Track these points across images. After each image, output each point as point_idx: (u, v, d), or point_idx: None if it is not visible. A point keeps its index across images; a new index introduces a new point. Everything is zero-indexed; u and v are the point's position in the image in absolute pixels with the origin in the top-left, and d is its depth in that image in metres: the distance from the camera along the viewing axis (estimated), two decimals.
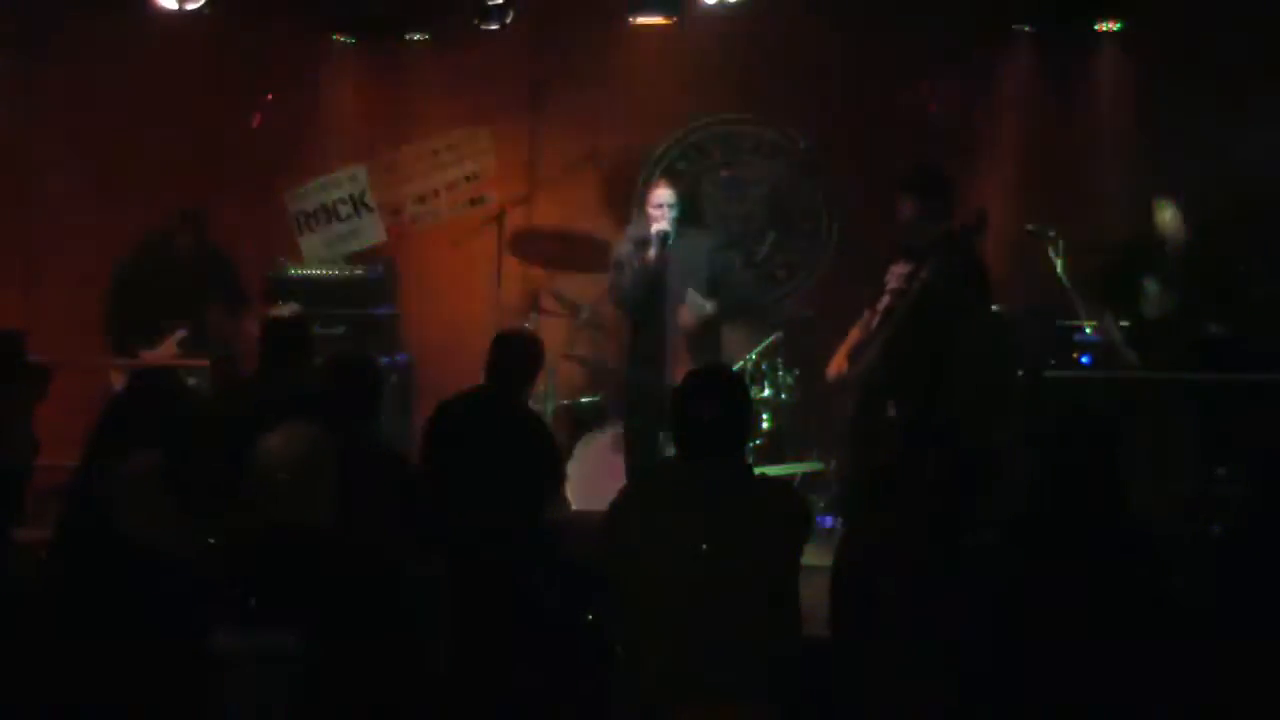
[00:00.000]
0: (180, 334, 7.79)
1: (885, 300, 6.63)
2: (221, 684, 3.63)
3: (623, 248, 7.20)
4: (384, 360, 8.09)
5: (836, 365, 6.86)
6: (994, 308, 7.10)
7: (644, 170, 8.86)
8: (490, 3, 8.22)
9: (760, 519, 4.07)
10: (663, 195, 7.02)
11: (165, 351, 7.79)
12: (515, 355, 5.74)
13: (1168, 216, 7.05)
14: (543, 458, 5.60)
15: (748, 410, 4.27)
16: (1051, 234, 7.55)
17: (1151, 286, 7.00)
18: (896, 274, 6.58)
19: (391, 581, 3.99)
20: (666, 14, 8.17)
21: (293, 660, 3.63)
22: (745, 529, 4.03)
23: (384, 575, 3.96)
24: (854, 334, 6.87)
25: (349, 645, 3.71)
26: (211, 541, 3.86)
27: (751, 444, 7.67)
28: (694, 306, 6.94)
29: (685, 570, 3.99)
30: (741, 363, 7.77)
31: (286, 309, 7.90)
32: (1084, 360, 7.59)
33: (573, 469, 7.90)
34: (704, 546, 3.98)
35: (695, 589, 3.98)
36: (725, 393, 4.17)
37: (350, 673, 3.70)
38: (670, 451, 6.59)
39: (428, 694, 4.05)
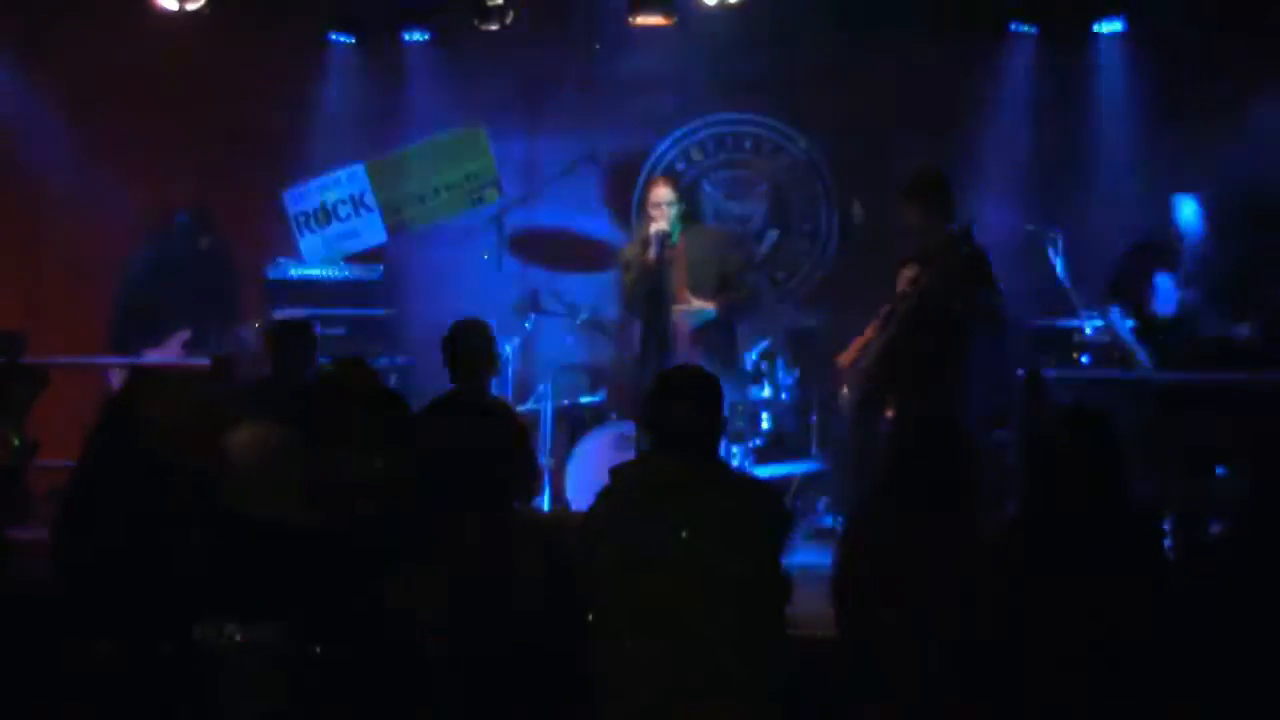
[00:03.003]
0: (184, 336, 7.79)
1: (891, 303, 6.65)
2: (204, 677, 3.64)
3: (628, 250, 7.21)
4: (384, 361, 8.11)
5: (849, 357, 6.84)
6: (996, 307, 7.08)
7: (644, 170, 8.87)
8: (490, 3, 8.21)
9: (735, 515, 4.09)
10: (662, 194, 7.02)
11: (169, 353, 7.79)
12: (462, 346, 5.76)
13: (1188, 213, 7.04)
14: (509, 449, 5.62)
15: (719, 410, 4.28)
16: (1051, 234, 7.54)
17: (1164, 284, 6.98)
18: (905, 277, 6.59)
19: (362, 576, 3.96)
20: (666, 14, 8.17)
21: (267, 655, 3.64)
22: (720, 524, 4.05)
23: (356, 570, 3.94)
24: (870, 331, 6.86)
25: (319, 638, 3.71)
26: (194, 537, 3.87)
27: (751, 444, 7.67)
28: (687, 315, 6.95)
29: (659, 566, 4.01)
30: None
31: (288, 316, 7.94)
32: (1084, 360, 7.59)
33: (572, 469, 7.91)
34: (675, 539, 4.00)
35: (670, 585, 3.99)
36: (695, 393, 4.22)
37: (323, 665, 3.69)
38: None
39: (406, 687, 4.03)
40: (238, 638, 3.66)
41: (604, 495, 4.27)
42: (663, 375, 4.40)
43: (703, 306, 7.02)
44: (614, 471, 4.29)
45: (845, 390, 6.79)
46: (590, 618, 4.67)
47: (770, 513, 4.19)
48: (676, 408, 4.18)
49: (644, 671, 3.98)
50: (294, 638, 3.66)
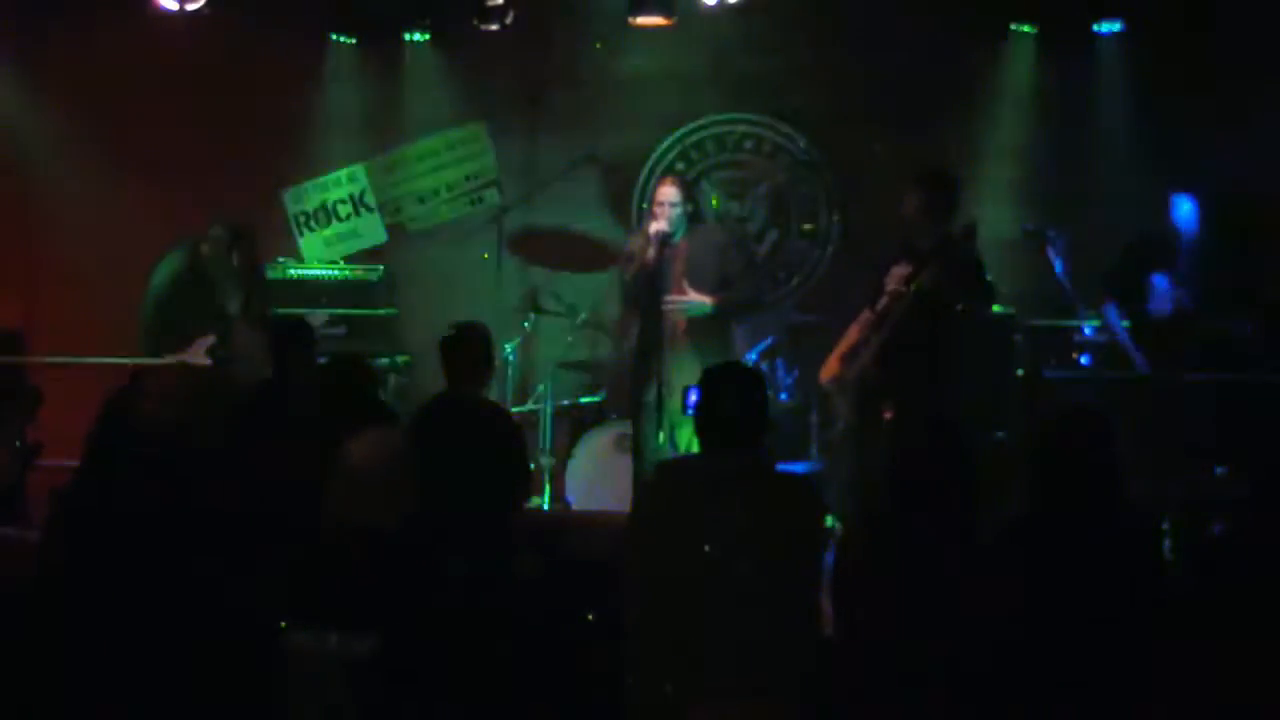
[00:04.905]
0: (209, 341, 7.78)
1: (883, 301, 6.63)
2: (290, 684, 3.66)
3: (635, 241, 7.18)
4: (384, 361, 8.11)
5: (829, 370, 6.84)
6: (994, 308, 7.09)
7: (644, 170, 8.87)
8: (490, 3, 8.21)
9: (779, 510, 4.13)
10: (667, 194, 6.99)
11: (192, 358, 7.78)
12: (459, 351, 5.77)
13: (1184, 212, 7.03)
14: (506, 453, 5.63)
15: (764, 404, 4.34)
16: (1051, 234, 7.54)
17: (1160, 283, 6.99)
18: (897, 275, 6.57)
19: (460, 585, 4.01)
20: (666, 14, 8.16)
21: (363, 661, 3.67)
22: (765, 519, 4.08)
23: (455, 578, 3.99)
24: (851, 334, 6.85)
25: (418, 646, 3.74)
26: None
27: None
28: (682, 307, 6.92)
29: (705, 561, 4.04)
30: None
31: (316, 321, 7.94)
32: (1084, 360, 7.58)
33: (573, 469, 7.91)
34: (715, 539, 4.03)
35: (715, 579, 4.02)
36: (742, 387, 4.26)
37: (420, 674, 3.73)
38: (664, 444, 6.64)
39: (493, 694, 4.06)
40: (332, 646, 3.69)
41: (649, 493, 4.30)
42: (707, 372, 4.43)
43: (698, 299, 6.96)
44: (659, 468, 4.34)
45: (838, 397, 6.78)
46: (591, 617, 4.69)
47: (810, 513, 4.23)
48: (718, 400, 4.21)
49: (675, 668, 4.01)
50: (377, 644, 3.69)
